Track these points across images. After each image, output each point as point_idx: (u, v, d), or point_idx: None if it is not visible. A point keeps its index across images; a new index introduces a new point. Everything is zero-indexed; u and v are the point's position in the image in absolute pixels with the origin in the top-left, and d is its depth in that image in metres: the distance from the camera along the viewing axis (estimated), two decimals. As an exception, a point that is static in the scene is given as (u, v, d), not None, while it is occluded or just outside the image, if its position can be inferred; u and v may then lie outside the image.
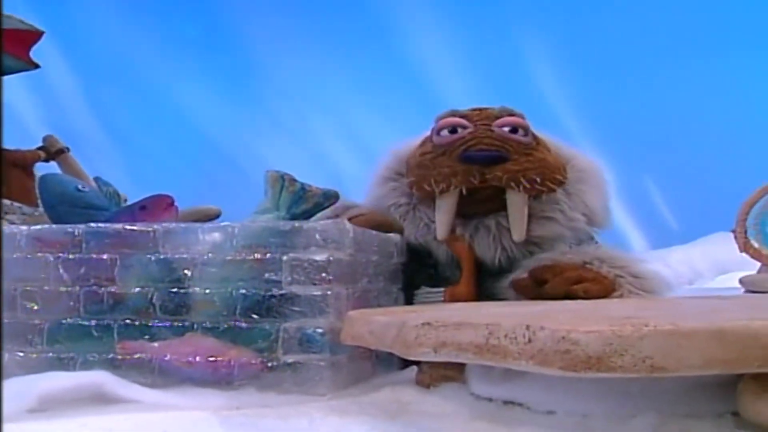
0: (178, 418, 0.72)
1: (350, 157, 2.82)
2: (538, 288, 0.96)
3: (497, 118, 1.05)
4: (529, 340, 0.57)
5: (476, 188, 1.00)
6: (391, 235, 0.99)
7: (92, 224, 0.90)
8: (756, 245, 1.37)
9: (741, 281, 1.40)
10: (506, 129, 1.04)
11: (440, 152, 1.03)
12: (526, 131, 1.05)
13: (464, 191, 1.01)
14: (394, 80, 2.98)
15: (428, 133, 1.10)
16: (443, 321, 0.63)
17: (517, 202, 1.01)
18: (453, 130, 1.05)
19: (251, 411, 0.75)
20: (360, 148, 2.81)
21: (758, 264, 1.39)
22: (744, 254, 1.39)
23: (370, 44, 3.01)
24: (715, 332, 0.52)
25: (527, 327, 0.57)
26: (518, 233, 1.01)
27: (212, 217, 1.17)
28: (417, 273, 1.05)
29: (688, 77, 2.72)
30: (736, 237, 1.40)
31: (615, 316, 0.60)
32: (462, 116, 1.07)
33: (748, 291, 1.36)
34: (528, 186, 1.00)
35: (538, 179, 1.00)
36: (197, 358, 0.83)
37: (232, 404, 0.77)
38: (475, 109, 1.09)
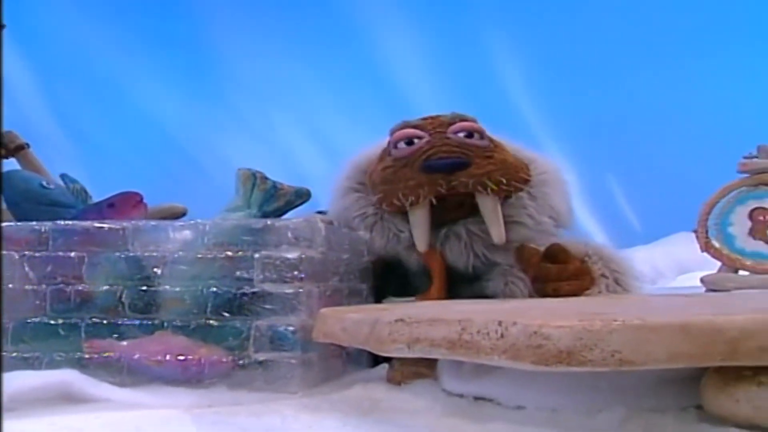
0: (149, 417, 0.72)
1: (314, 156, 2.82)
2: (543, 261, 0.98)
3: (450, 124, 1.06)
4: (502, 336, 0.58)
5: (444, 196, 1.01)
6: (360, 233, 1.01)
7: (59, 222, 0.89)
8: (717, 245, 1.41)
9: (702, 280, 1.44)
10: (462, 134, 1.04)
11: (402, 165, 1.03)
12: (482, 135, 1.06)
13: (434, 201, 1.01)
14: (359, 79, 2.99)
15: (384, 141, 1.11)
16: (416, 317, 0.65)
17: (488, 205, 1.02)
18: (409, 141, 1.05)
19: (223, 409, 0.75)
20: (324, 147, 2.81)
21: (719, 263, 1.44)
22: (705, 254, 1.44)
23: (336, 42, 3.01)
24: (680, 327, 0.54)
25: (499, 323, 0.59)
26: (497, 235, 1.01)
27: (178, 215, 1.17)
28: (387, 283, 1.05)
29: (650, 79, 2.78)
30: (697, 237, 1.44)
31: (585, 311, 0.62)
32: (415, 126, 1.07)
33: (709, 290, 1.40)
34: (495, 187, 1.01)
35: (504, 180, 1.01)
36: (167, 357, 0.84)
37: (204, 402, 0.78)
38: (427, 118, 1.09)
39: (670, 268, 2.25)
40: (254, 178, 0.93)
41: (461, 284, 1.04)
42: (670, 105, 2.73)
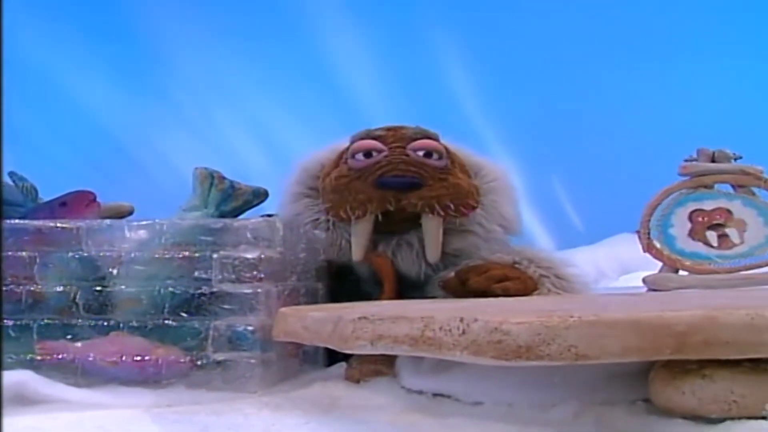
0: (110, 417, 0.73)
1: (257, 154, 2.80)
2: (462, 286, 1.01)
3: (412, 139, 1.08)
4: (463, 332, 0.62)
5: (390, 213, 1.04)
6: (317, 232, 1.03)
7: (9, 221, 0.89)
8: (658, 246, 1.47)
9: (644, 280, 1.50)
10: (421, 153, 1.07)
11: (355, 177, 1.05)
12: (441, 155, 1.08)
13: (379, 217, 1.04)
14: (304, 76, 2.97)
15: (337, 145, 1.14)
16: (379, 315, 0.68)
17: (431, 227, 1.05)
18: (368, 153, 1.07)
19: (183, 408, 0.77)
20: (267, 145, 2.80)
21: (660, 264, 1.50)
22: (647, 254, 1.50)
23: (279, 38, 2.99)
24: (632, 322, 0.58)
25: (461, 319, 0.62)
26: (433, 256, 1.05)
27: (124, 214, 1.17)
28: (339, 290, 1.07)
29: (594, 81, 2.86)
30: (639, 237, 1.49)
31: (542, 309, 0.66)
32: (377, 137, 1.09)
33: (650, 290, 1.46)
34: (442, 213, 1.04)
35: (452, 205, 1.04)
36: (123, 358, 0.84)
37: (163, 402, 0.79)
38: (390, 129, 1.11)
39: (613, 269, 2.32)
40: (212, 178, 0.94)
41: (411, 291, 1.07)
42: (613, 108, 2.81)
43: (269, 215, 1.08)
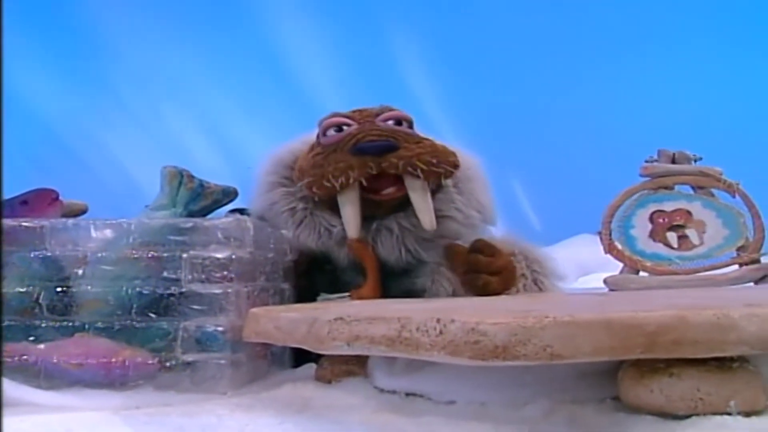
0: (78, 419, 0.74)
1: (206, 149, 2.78)
2: (467, 254, 1.04)
3: (378, 115, 1.11)
4: (440, 332, 0.64)
5: (384, 198, 1.06)
6: (284, 232, 1.05)
7: (-32, 220, 0.89)
8: (620, 246, 1.52)
9: (605, 281, 1.54)
10: (390, 122, 1.10)
11: (332, 150, 1.07)
12: (411, 124, 1.11)
13: (364, 182, 1.05)
14: (255, 67, 2.95)
15: (308, 137, 1.15)
16: (356, 316, 0.70)
17: (417, 189, 1.06)
18: (339, 128, 1.10)
19: (153, 410, 0.78)
20: (217, 139, 2.78)
21: (620, 265, 1.55)
22: (608, 255, 1.54)
23: (229, 27, 2.96)
24: (605, 323, 0.62)
25: (438, 320, 0.65)
26: (428, 221, 1.06)
27: (78, 213, 1.17)
28: (317, 279, 1.09)
29: (554, 81, 2.91)
30: (601, 238, 1.54)
31: (516, 309, 0.69)
32: (345, 116, 1.12)
33: (611, 290, 1.51)
34: (425, 168, 1.04)
35: (435, 160, 1.05)
36: (88, 360, 0.85)
37: (131, 404, 0.80)
38: (356, 110, 1.14)
39: (572, 270, 2.36)
40: (181, 177, 0.95)
41: (391, 279, 1.09)
42: (573, 107, 2.86)
43: (241, 210, 1.09)
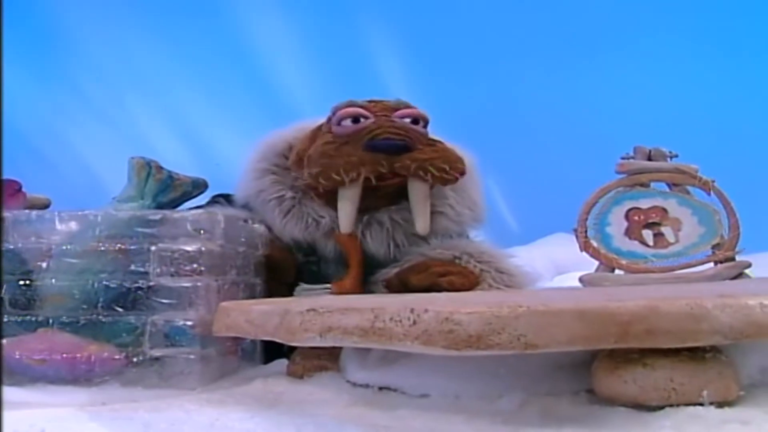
0: (43, 415, 0.72)
1: (172, 142, 2.75)
2: (404, 287, 1.04)
3: (395, 110, 1.12)
4: (414, 322, 0.65)
5: (381, 184, 1.06)
6: (256, 226, 1.05)
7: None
8: (595, 244, 1.54)
9: (581, 279, 1.56)
10: (407, 120, 1.10)
11: (344, 141, 1.07)
12: (426, 124, 1.12)
13: (373, 180, 1.05)
14: (224, 61, 2.91)
15: (303, 124, 1.16)
16: (328, 307, 0.70)
17: (420, 193, 1.07)
18: (355, 119, 1.10)
19: (119, 406, 0.77)
20: (183, 133, 2.75)
21: (596, 263, 1.57)
22: (584, 253, 1.56)
23: (197, 20, 2.93)
24: (579, 312, 0.63)
25: (412, 309, 0.65)
26: (423, 225, 1.07)
27: (41, 208, 1.16)
28: (300, 269, 1.09)
29: (528, 77, 2.94)
30: (577, 236, 1.56)
31: (491, 300, 0.70)
32: (361, 106, 1.12)
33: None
34: (437, 174, 1.06)
35: (447, 167, 1.07)
36: (52, 355, 0.84)
37: (97, 400, 0.79)
38: (372, 101, 1.14)
39: (548, 269, 2.38)
40: (149, 168, 0.95)
41: (377, 270, 1.10)
42: (548, 105, 2.88)
43: (226, 196, 1.09)
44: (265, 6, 2.90)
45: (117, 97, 2.87)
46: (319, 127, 1.14)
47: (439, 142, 1.12)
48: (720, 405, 0.65)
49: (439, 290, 1.02)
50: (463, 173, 1.11)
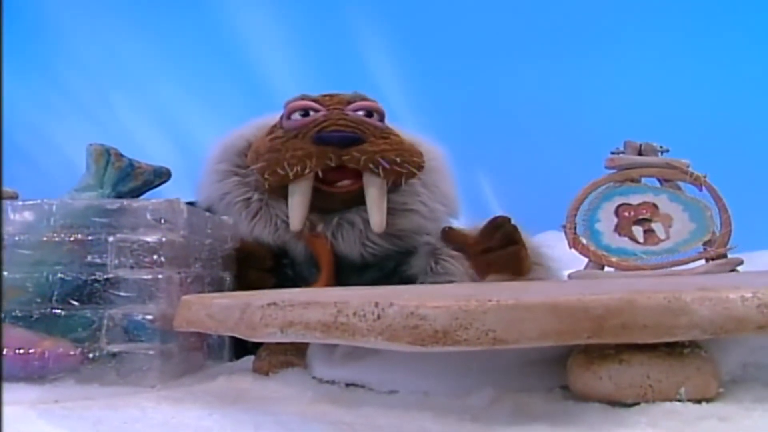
0: (-11, 413, 0.72)
1: (156, 137, 2.76)
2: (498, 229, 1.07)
3: (350, 103, 1.11)
4: (378, 317, 0.64)
5: (330, 178, 1.05)
6: (225, 218, 1.04)
7: None
8: (584, 241, 1.53)
9: (570, 276, 1.56)
10: (361, 113, 1.10)
11: (292, 135, 1.06)
12: (382, 117, 1.11)
13: (320, 174, 1.04)
14: (209, 54, 2.94)
15: (261, 120, 1.15)
16: (290, 301, 0.69)
17: (375, 188, 1.06)
18: (305, 113, 1.09)
19: (73, 404, 0.76)
20: (168, 127, 2.77)
21: (585, 260, 1.56)
22: (573, 250, 1.55)
23: (181, 12, 2.95)
24: (551, 306, 0.62)
25: (376, 304, 0.64)
26: (377, 223, 1.06)
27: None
28: (273, 273, 1.08)
29: (519, 74, 2.95)
30: (565, 233, 1.55)
31: (460, 294, 0.69)
32: (314, 100, 1.11)
33: (575, 286, 1.53)
34: (387, 167, 1.05)
35: (398, 159, 1.06)
36: (4, 351, 0.84)
37: (49, 398, 0.78)
38: (326, 95, 1.14)
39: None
40: (108, 155, 0.94)
41: (351, 274, 1.09)
42: (538, 102, 2.90)
43: (190, 203, 1.08)
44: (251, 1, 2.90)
45: (100, 91, 2.88)
46: (275, 124, 1.13)
47: (395, 134, 1.11)
48: (698, 401, 0.65)
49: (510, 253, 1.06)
50: (420, 167, 1.10)
